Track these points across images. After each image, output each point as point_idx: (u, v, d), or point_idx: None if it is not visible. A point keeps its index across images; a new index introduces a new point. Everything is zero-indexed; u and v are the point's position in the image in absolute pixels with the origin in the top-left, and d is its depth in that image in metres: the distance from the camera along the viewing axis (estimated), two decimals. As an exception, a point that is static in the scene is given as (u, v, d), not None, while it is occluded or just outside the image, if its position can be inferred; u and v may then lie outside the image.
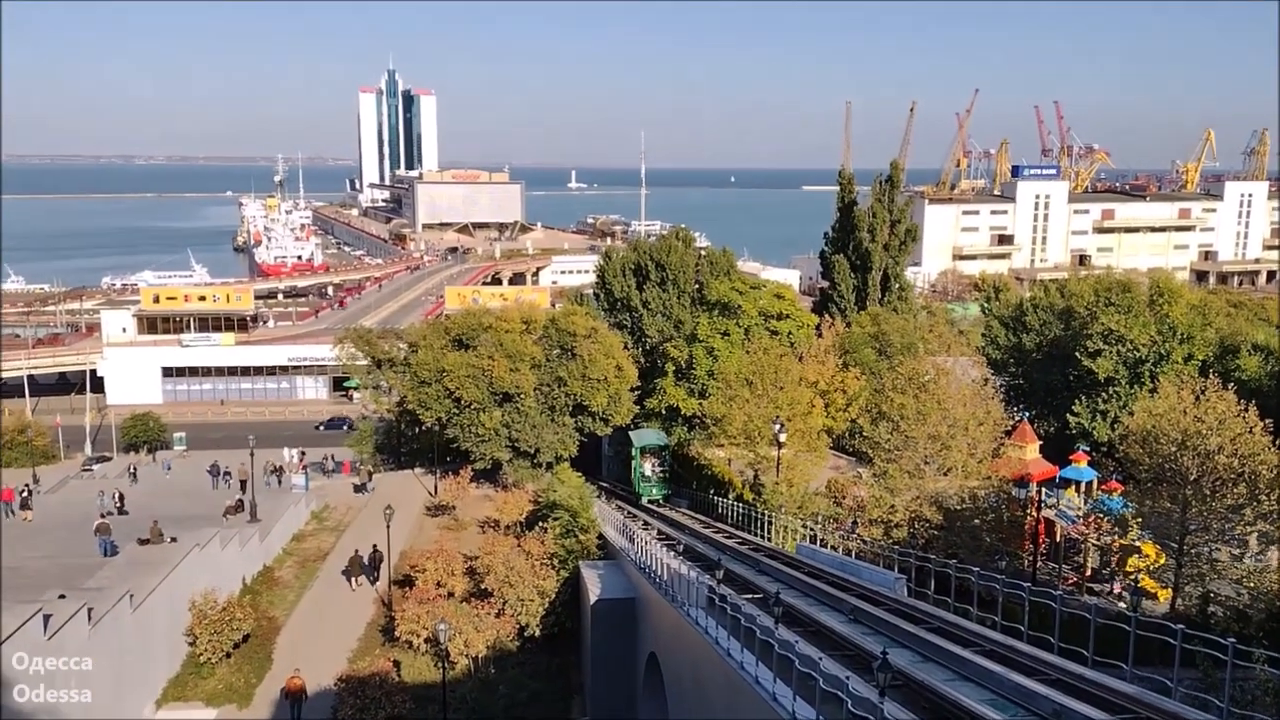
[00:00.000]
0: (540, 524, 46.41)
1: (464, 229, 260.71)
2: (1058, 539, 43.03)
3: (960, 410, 44.56)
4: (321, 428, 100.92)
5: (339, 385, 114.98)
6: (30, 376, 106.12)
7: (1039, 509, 40.42)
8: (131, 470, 55.85)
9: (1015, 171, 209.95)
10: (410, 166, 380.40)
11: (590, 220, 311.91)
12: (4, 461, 76.03)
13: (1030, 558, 39.18)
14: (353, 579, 45.08)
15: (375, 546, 44.82)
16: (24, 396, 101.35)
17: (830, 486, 51.56)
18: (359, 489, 61.73)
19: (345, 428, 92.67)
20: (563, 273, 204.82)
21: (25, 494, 44.95)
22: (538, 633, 39.93)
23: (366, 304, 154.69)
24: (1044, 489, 42.45)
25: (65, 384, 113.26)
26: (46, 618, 27.63)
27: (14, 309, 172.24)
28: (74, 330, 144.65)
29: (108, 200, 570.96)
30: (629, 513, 51.50)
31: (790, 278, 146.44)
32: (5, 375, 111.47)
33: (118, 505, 51.09)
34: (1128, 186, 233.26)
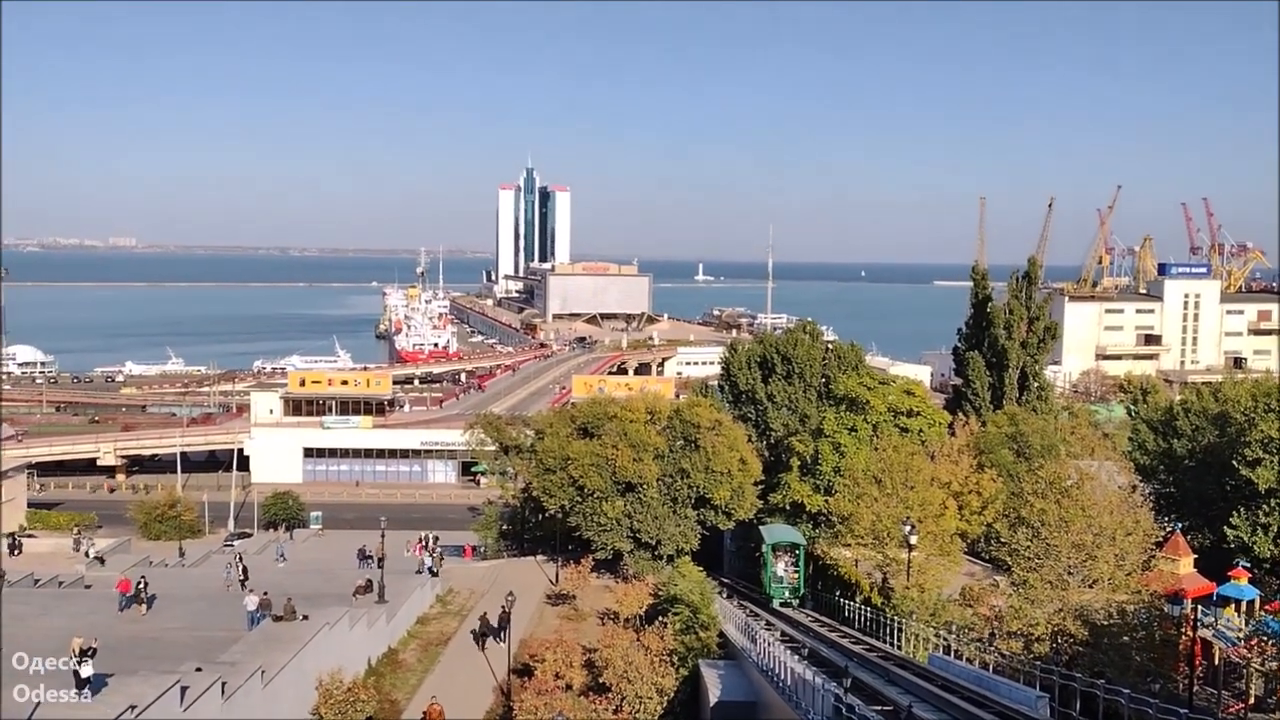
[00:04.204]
0: (660, 618, 45.69)
1: (593, 319, 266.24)
2: (1216, 662, 39.76)
3: (1106, 518, 42.09)
4: None
5: (467, 470, 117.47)
6: (183, 454, 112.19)
7: (1195, 628, 37.53)
8: (238, 557, 57.37)
9: (1162, 269, 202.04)
10: (544, 259, 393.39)
11: (716, 312, 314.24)
12: (154, 535, 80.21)
13: (1186, 681, 36.26)
14: (482, 640, 46.73)
15: (503, 608, 45.31)
16: (176, 473, 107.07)
17: (964, 594, 49.21)
18: (433, 572, 62.21)
19: None
20: (688, 364, 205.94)
21: (141, 585, 45.90)
22: (655, 733, 38.93)
23: (497, 390, 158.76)
24: (1200, 606, 39.47)
25: (215, 461, 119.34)
26: (184, 689, 28.54)
27: (172, 389, 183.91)
28: (225, 410, 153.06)
29: (264, 288, 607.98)
30: (751, 611, 50.25)
31: (921, 374, 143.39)
32: (161, 452, 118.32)
33: (241, 579, 52.97)
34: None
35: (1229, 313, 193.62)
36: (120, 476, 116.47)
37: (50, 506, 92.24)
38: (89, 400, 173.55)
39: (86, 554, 63.96)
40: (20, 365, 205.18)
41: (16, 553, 63.20)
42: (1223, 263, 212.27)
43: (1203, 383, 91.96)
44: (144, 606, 44.46)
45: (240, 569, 54.34)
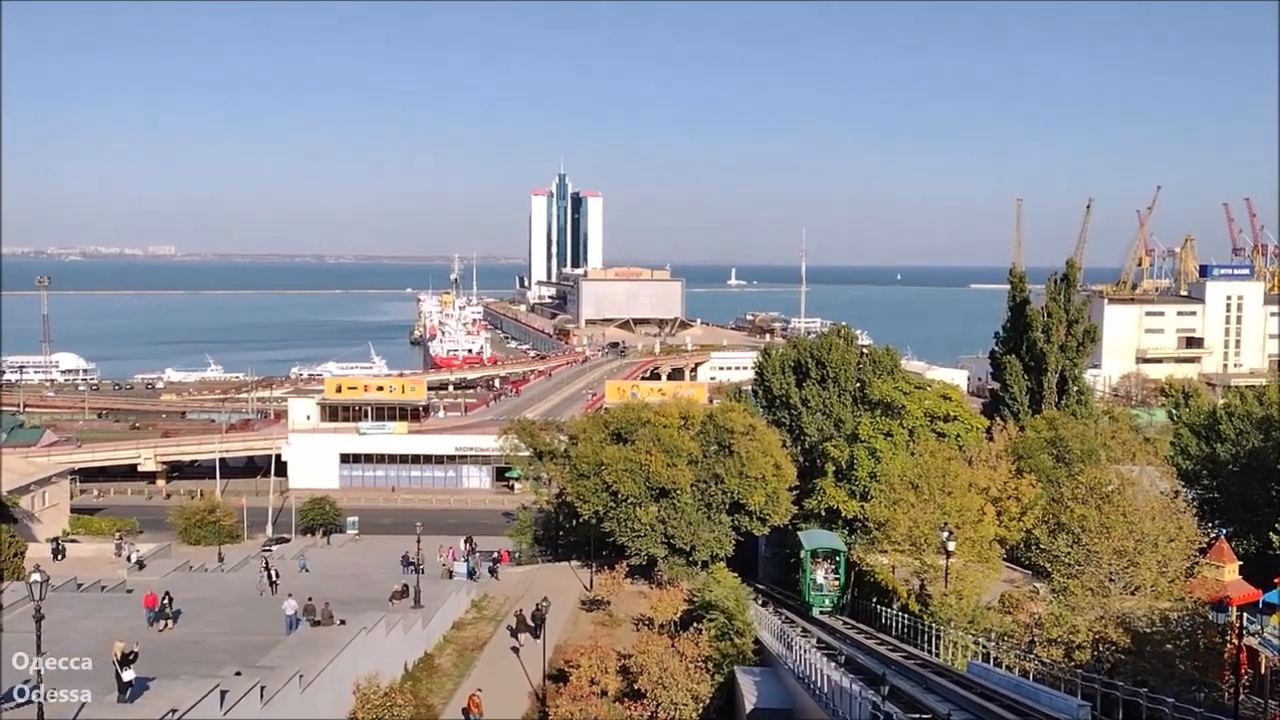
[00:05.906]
0: (695, 624, 45.59)
1: (625, 324, 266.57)
2: (1262, 670, 38.94)
3: (1149, 524, 41.46)
4: None
5: (501, 475, 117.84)
6: (222, 459, 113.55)
7: (1240, 636, 36.79)
8: (266, 563, 58.01)
9: (1203, 271, 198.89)
10: (576, 264, 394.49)
11: (749, 317, 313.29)
12: (194, 540, 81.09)
13: (1231, 690, 35.54)
14: (518, 635, 47.16)
15: (538, 606, 45.39)
16: (215, 478, 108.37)
17: (1004, 601, 48.67)
18: (486, 573, 62.35)
19: None
20: (721, 369, 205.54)
21: (167, 601, 44.50)
22: (690, 739, 38.79)
23: (531, 396, 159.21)
24: (1245, 614, 38.69)
25: (253, 467, 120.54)
26: (223, 693, 28.83)
27: (211, 395, 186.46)
28: (263, 417, 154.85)
29: (300, 296, 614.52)
30: (786, 618, 49.93)
31: (957, 378, 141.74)
32: (201, 458, 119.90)
33: (273, 582, 53.49)
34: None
35: (1273, 315, 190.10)
36: (160, 482, 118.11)
37: (93, 512, 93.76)
38: (130, 407, 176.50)
39: (128, 559, 64.75)
40: (63, 372, 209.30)
41: (60, 557, 64.13)
42: (1266, 264, 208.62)
43: (1246, 386, 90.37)
44: (169, 622, 43.38)
45: (272, 574, 54.92)
